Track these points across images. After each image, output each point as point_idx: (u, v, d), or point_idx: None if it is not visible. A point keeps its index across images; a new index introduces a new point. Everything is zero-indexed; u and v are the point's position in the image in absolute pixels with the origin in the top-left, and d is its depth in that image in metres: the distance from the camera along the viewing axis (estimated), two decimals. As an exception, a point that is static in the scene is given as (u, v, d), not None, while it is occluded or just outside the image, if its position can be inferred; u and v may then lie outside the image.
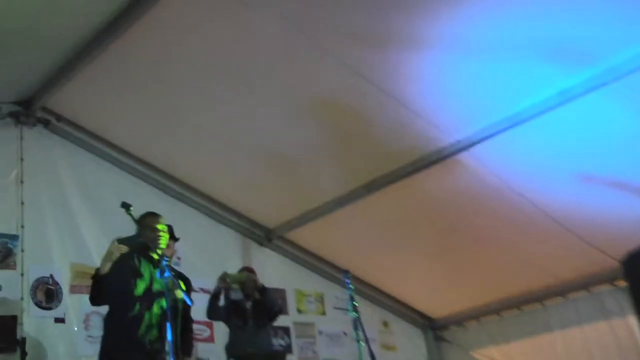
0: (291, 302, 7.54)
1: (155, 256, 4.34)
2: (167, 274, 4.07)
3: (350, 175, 6.52)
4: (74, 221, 6.13)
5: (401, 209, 6.74)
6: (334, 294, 7.83)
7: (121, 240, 4.70)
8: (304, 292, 7.69)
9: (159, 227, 4.43)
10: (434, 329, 8.60)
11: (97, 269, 4.66)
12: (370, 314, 8.02)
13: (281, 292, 7.43)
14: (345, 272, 4.81)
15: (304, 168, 6.51)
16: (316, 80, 5.55)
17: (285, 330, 7.34)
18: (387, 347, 8.24)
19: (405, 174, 6.32)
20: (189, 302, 4.12)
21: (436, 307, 8.43)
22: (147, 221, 4.48)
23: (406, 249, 7.20)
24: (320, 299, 7.70)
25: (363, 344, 4.47)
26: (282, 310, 6.50)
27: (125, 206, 4.28)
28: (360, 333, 4.47)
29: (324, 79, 5.50)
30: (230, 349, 5.80)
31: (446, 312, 8.36)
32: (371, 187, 6.56)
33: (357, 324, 4.52)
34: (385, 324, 8.36)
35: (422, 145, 6.01)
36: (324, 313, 7.65)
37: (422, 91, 5.46)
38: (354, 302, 4.57)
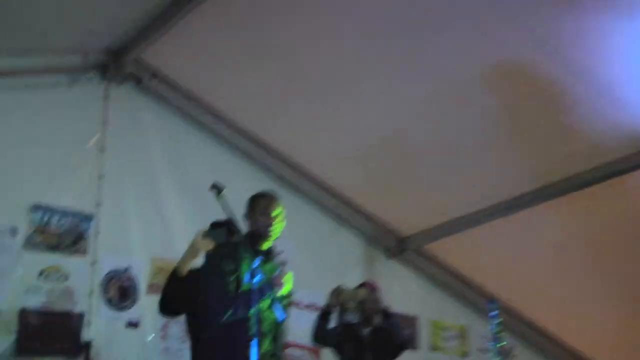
0: (424, 335, 7.22)
1: (264, 248, 4.06)
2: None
3: (518, 176, 6.12)
4: (161, 204, 5.89)
5: (586, 225, 6.30)
6: (481, 330, 7.13)
7: (211, 230, 4.00)
8: (441, 324, 7.36)
9: (274, 213, 4.06)
10: None
11: (175, 268, 4.11)
12: None
13: (411, 321, 7.14)
14: (491, 301, 4.49)
15: (455, 165, 6.16)
16: (487, 50, 5.12)
17: None
18: None
19: (594, 179, 5.80)
20: (280, 316, 3.58)
21: None
22: (259, 203, 4.12)
23: (590, 281, 6.75)
24: (463, 335, 7.42)
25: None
26: (411, 344, 6.33)
27: (216, 189, 3.70)
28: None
29: (500, 47, 5.07)
30: None
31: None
32: (546, 192, 6.08)
33: None
34: None
35: (625, 142, 5.48)
36: (466, 355, 7.33)
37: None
38: (500, 342, 4.28)
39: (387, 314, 5.60)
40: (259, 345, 3.65)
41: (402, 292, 7.09)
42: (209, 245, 3.92)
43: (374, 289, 5.64)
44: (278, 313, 3.80)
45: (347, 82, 5.63)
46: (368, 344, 5.49)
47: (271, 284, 3.89)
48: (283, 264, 4.14)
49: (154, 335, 5.58)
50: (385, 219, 7.08)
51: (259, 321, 3.73)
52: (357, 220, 6.99)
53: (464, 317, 7.29)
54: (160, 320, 5.52)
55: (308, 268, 6.25)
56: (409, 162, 6.24)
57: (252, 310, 3.80)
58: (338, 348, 5.58)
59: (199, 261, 4.12)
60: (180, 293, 4.05)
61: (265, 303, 3.91)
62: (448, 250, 7.14)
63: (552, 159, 5.86)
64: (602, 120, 5.35)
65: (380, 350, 5.51)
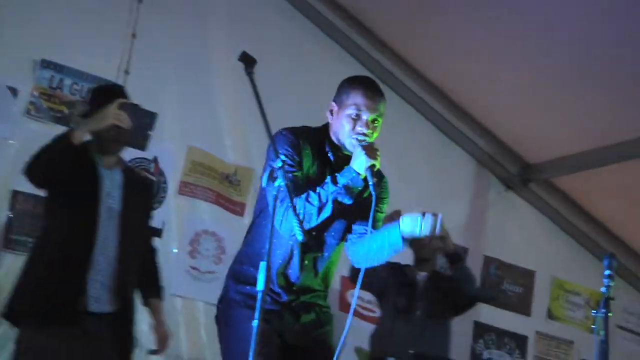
0: (541, 297, 7.16)
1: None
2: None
3: None
4: (206, 81, 5.90)
5: None
6: (624, 302, 7.34)
7: (132, 105, 4.29)
8: (568, 285, 7.27)
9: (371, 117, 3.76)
10: None
11: (69, 130, 4.21)
12: None
13: (527, 276, 7.13)
14: (610, 256, 4.13)
15: (606, 87, 5.94)
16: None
17: (521, 341, 7.02)
18: None
19: None
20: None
21: None
22: (351, 95, 3.82)
23: None
24: (595, 305, 7.14)
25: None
26: (487, 298, 6.26)
27: (246, 60, 3.56)
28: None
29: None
30: (374, 344, 5.61)
31: None
32: None
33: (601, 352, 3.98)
34: None
35: None
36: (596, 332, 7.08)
37: None
38: (607, 313, 3.99)
39: (455, 259, 5.52)
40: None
41: (519, 235, 7.08)
42: (122, 120, 4.10)
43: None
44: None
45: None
46: (422, 292, 5.53)
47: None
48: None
49: (177, 248, 5.69)
50: (508, 138, 6.99)
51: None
52: (471, 135, 6.92)
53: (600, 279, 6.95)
54: (191, 230, 5.72)
55: (406, 185, 6.17)
56: (555, 68, 6.04)
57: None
58: (381, 295, 5.62)
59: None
60: (57, 161, 4.08)
61: None
62: (587, 188, 7.02)
63: None
64: None
65: (438, 304, 5.51)
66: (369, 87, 3.80)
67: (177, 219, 5.72)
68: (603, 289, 4.00)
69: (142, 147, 4.62)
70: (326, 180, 3.52)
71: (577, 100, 6.19)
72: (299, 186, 3.53)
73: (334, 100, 3.78)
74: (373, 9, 6.32)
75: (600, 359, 3.92)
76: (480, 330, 6.79)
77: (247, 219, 5.66)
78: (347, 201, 3.52)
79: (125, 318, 4.21)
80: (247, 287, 3.63)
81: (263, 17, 6.23)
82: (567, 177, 6.97)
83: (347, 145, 3.67)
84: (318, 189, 3.49)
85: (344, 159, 3.69)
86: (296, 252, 3.66)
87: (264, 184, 3.33)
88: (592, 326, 3.98)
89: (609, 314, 3.90)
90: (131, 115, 4.20)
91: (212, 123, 5.89)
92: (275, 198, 3.23)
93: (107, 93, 4.34)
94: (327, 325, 3.84)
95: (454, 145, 6.90)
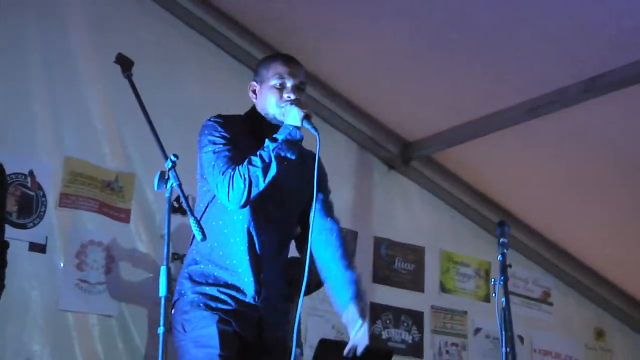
0: (432, 271, 7.18)
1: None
2: None
3: (561, 67, 5.94)
4: (78, 89, 5.65)
5: (609, 133, 6.27)
6: (511, 268, 7.25)
7: None
8: (456, 257, 7.33)
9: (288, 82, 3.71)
10: None
11: None
12: (572, 310, 7.91)
13: (417, 253, 7.14)
14: (500, 224, 4.28)
15: (476, 58, 6.01)
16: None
17: (417, 317, 7.01)
18: None
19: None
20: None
21: None
22: (270, 68, 3.80)
23: (611, 192, 6.88)
24: (484, 274, 7.44)
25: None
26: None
27: (123, 62, 3.54)
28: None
29: None
30: None
31: None
32: (596, 85, 5.87)
33: (504, 319, 4.05)
34: (600, 333, 8.02)
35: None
36: (486, 299, 7.35)
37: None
38: (506, 280, 4.13)
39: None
40: None
41: (406, 213, 7.12)
42: None
43: None
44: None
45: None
46: None
47: None
48: None
49: (63, 263, 5.45)
50: (386, 119, 6.96)
51: None
52: (350, 120, 6.87)
53: (489, 251, 6.99)
54: (76, 243, 5.47)
55: None
56: (422, 45, 6.06)
57: None
58: None
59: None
60: None
61: None
62: (465, 160, 7.07)
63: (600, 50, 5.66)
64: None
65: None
66: (286, 57, 3.84)
67: (60, 233, 5.50)
68: (499, 257, 4.13)
69: None
70: (265, 144, 3.42)
71: (447, 77, 6.26)
72: (237, 160, 3.47)
73: (255, 80, 3.78)
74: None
75: (503, 324, 3.98)
76: (377, 311, 6.75)
77: (132, 225, 5.66)
78: (291, 156, 3.43)
79: None
80: (207, 288, 3.55)
81: (129, 19, 6.08)
82: (445, 152, 7.01)
83: (278, 116, 3.63)
84: (259, 152, 3.42)
85: (277, 130, 3.66)
86: (254, 233, 3.57)
87: (155, 187, 3.27)
88: (493, 294, 4.20)
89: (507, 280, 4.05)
90: None
91: (88, 131, 5.68)
92: (168, 200, 3.21)
93: None
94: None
95: (333, 131, 6.82)
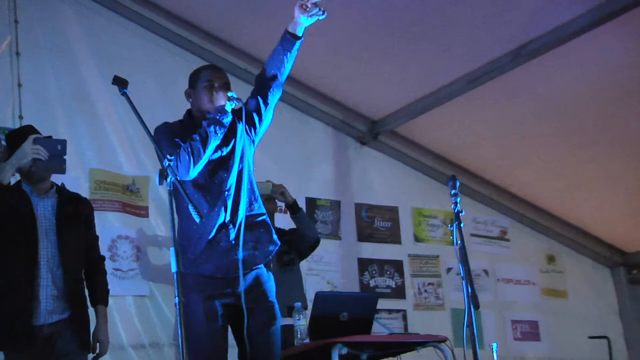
0: (406, 226, 7.22)
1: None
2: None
3: (497, 35, 5.92)
4: (93, 110, 5.67)
5: (573, 82, 6.13)
6: (472, 215, 7.53)
7: (43, 139, 4.26)
8: (425, 212, 7.37)
9: (220, 83, 3.83)
10: (628, 267, 8.28)
11: None
12: (526, 243, 7.93)
13: (392, 212, 7.19)
14: (452, 179, 4.20)
15: (420, 37, 5.97)
16: None
17: (397, 265, 7.04)
18: (553, 293, 7.95)
19: (582, 29, 5.56)
20: None
21: (631, 237, 8.07)
22: (200, 76, 3.90)
23: (586, 148, 6.86)
24: (451, 222, 7.10)
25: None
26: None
27: (119, 82, 3.53)
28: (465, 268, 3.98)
29: None
30: None
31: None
32: (522, 53, 5.90)
33: (461, 256, 3.97)
34: (551, 258, 8.03)
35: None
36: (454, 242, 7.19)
37: None
38: (460, 224, 4.04)
39: (294, 209, 5.46)
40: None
41: (379, 181, 7.15)
42: (40, 153, 4.10)
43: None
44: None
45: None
46: None
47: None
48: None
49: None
50: (354, 104, 6.99)
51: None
52: (323, 108, 6.89)
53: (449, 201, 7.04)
54: (107, 239, 5.43)
55: (271, 167, 6.15)
56: (374, 32, 6.01)
57: None
58: None
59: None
60: None
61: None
62: (424, 130, 7.07)
63: (524, 21, 5.66)
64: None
65: (287, 254, 5.38)
66: (211, 65, 4.14)
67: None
68: (452, 206, 4.08)
69: (62, 171, 4.52)
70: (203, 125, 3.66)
71: (400, 60, 6.24)
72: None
73: (189, 87, 3.88)
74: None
75: (461, 260, 3.96)
76: (364, 264, 6.82)
77: (152, 219, 5.67)
78: (224, 127, 3.65)
79: (81, 321, 4.22)
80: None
81: (126, 44, 6.02)
82: (406, 125, 6.98)
83: (210, 110, 3.75)
84: (198, 130, 3.62)
85: None
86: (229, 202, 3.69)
87: (157, 183, 3.31)
88: (452, 237, 3.97)
89: (462, 225, 3.98)
90: (45, 146, 4.18)
91: (105, 145, 5.70)
92: (170, 193, 3.23)
93: (19, 134, 4.31)
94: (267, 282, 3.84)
95: (310, 119, 6.86)
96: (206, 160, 3.65)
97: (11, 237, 4.11)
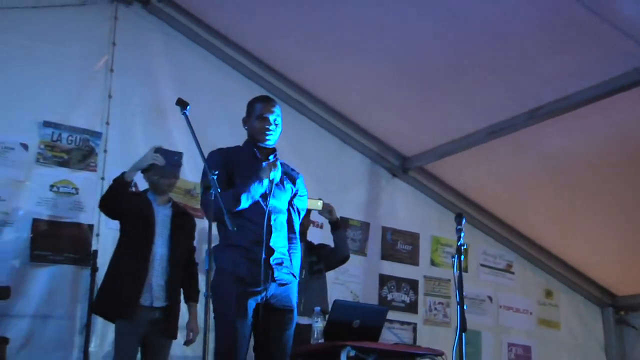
0: (424, 251, 7.29)
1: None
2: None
3: (517, 96, 5.99)
4: (166, 123, 5.90)
5: (579, 143, 6.18)
6: (483, 247, 7.65)
7: (164, 150, 4.60)
8: (442, 240, 7.41)
9: (271, 115, 4.07)
10: (616, 308, 8.24)
11: (124, 172, 4.57)
12: (528, 276, 7.92)
13: (413, 237, 7.27)
14: (458, 217, 4.27)
15: (459, 84, 6.06)
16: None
17: (413, 283, 7.14)
18: (547, 323, 7.98)
19: (591, 99, 5.63)
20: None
21: (621, 281, 8.03)
22: (255, 107, 4.12)
23: (586, 200, 6.83)
24: (464, 252, 7.13)
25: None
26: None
27: (181, 104, 3.80)
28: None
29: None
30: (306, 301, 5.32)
31: (635, 290, 7.98)
32: (537, 114, 5.96)
33: (458, 284, 4.15)
34: (548, 293, 8.04)
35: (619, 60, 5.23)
36: (465, 270, 6.70)
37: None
38: (460, 257, 4.22)
39: (337, 225, 5.58)
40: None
41: (405, 209, 7.21)
42: (158, 159, 4.47)
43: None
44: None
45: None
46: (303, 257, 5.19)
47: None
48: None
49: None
50: (389, 140, 7.07)
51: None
52: (362, 140, 7.00)
53: (467, 235, 6.48)
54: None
55: (314, 187, 5.98)
56: (417, 83, 6.15)
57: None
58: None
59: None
60: (117, 196, 4.50)
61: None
62: (449, 169, 7.09)
63: (549, 79, 5.65)
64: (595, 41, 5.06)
65: (317, 264, 5.53)
66: (265, 97, 4.24)
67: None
68: (457, 240, 4.24)
69: (176, 178, 4.83)
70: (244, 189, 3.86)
71: (430, 108, 6.38)
72: (223, 182, 3.81)
73: (246, 115, 4.12)
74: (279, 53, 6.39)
75: (458, 287, 4.17)
76: (384, 280, 6.89)
77: (205, 221, 5.30)
78: (262, 189, 3.88)
79: (174, 312, 4.61)
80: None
81: (201, 71, 6.26)
82: (433, 164, 7.09)
83: (262, 138, 4.02)
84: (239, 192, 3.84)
85: (264, 150, 4.07)
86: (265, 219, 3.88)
87: (200, 193, 3.71)
88: (453, 267, 4.19)
89: (462, 258, 4.20)
90: (164, 154, 4.54)
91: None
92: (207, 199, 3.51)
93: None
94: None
95: (350, 150, 7.01)
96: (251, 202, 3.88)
97: (134, 232, 4.54)
